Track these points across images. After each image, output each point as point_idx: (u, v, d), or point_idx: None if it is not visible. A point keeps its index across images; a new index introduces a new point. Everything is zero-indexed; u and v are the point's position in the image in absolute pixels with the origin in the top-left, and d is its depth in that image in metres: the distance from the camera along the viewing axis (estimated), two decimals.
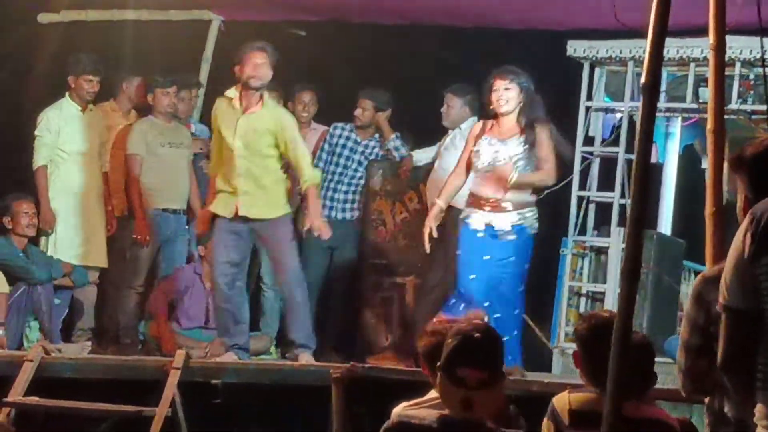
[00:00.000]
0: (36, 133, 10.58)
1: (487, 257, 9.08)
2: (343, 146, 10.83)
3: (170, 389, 8.76)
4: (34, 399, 8.90)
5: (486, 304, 8.83)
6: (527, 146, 9.11)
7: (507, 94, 9.17)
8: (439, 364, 5.26)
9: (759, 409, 3.98)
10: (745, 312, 4.01)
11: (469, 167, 9.27)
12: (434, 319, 6.35)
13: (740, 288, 4.02)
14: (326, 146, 10.94)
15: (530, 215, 9.18)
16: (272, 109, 9.80)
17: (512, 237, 9.09)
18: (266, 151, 9.64)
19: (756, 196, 4.52)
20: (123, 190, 10.82)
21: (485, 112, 9.48)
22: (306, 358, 9.56)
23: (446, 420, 5.17)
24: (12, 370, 9.07)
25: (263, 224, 9.66)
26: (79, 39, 11.76)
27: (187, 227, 10.94)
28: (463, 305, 8.83)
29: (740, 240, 4.02)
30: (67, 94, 10.75)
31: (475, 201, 9.22)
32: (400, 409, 5.59)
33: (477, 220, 9.16)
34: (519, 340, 9.24)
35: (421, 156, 10.65)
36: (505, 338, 8.59)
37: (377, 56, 11.27)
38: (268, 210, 9.67)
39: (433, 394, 5.49)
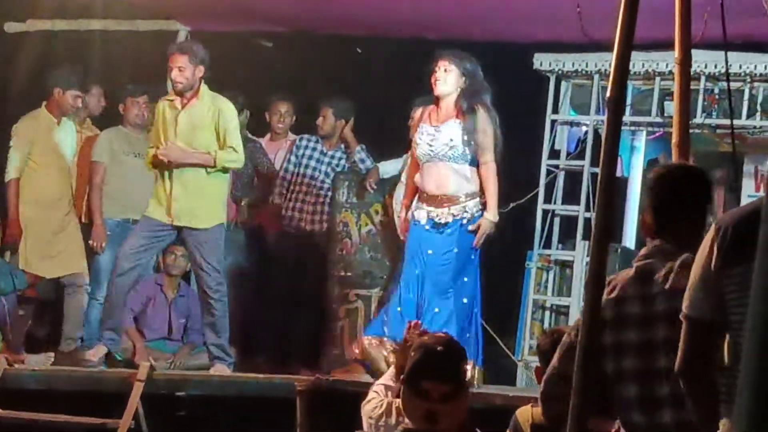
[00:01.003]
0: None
1: (431, 251, 9.05)
2: (309, 157, 10.79)
3: (134, 401, 8.75)
4: None
5: (430, 297, 8.93)
6: (465, 131, 9.00)
7: (445, 76, 9.08)
8: (402, 376, 5.25)
9: (723, 422, 3.96)
10: (709, 323, 4.03)
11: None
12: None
13: (706, 299, 4.03)
14: (292, 158, 10.90)
15: (472, 205, 9.07)
16: (210, 98, 9.64)
17: (454, 229, 9.03)
18: (207, 146, 9.53)
19: (656, 215, 4.82)
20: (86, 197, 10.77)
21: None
22: (222, 370, 9.51)
23: None
24: None
25: (196, 232, 9.58)
26: (46, 49, 11.71)
27: None
28: (405, 296, 8.93)
29: (706, 252, 4.03)
30: (44, 104, 10.65)
31: (420, 194, 9.18)
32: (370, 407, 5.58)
33: (421, 214, 9.12)
34: (476, 335, 9.17)
35: (387, 168, 10.62)
36: (466, 332, 8.75)
37: (344, 67, 11.26)
38: (207, 219, 9.58)
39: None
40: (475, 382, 8.65)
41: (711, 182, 5.06)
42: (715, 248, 3.98)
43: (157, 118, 9.73)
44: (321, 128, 10.86)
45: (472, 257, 9.11)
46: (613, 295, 4.78)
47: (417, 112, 9.36)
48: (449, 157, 9.00)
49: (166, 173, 9.50)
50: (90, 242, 10.58)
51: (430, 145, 9.04)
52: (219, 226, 9.67)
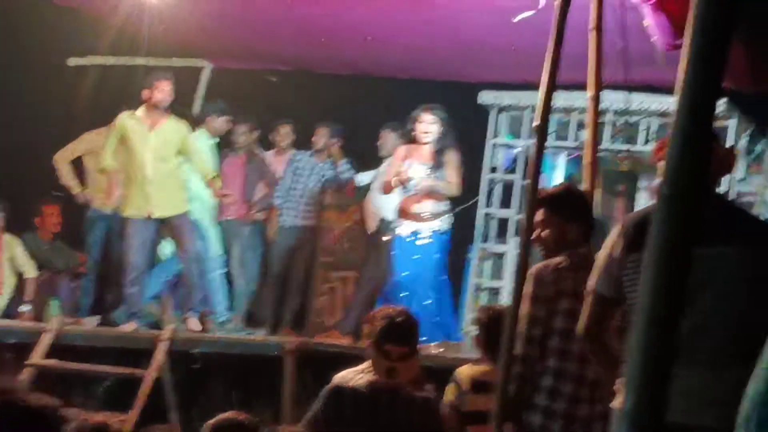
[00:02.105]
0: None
1: (416, 256, 9.08)
2: (303, 168, 10.74)
3: (159, 356, 8.67)
4: (51, 361, 8.78)
5: (418, 292, 8.96)
6: (438, 167, 9.11)
7: (430, 128, 9.15)
8: (372, 339, 5.23)
9: (620, 381, 3.94)
10: (607, 298, 4.17)
11: (389, 183, 9.26)
12: (375, 309, 6.31)
13: (607, 279, 4.15)
14: (290, 169, 10.84)
15: (445, 221, 9.19)
16: (175, 123, 9.58)
17: (432, 240, 9.11)
18: (171, 158, 9.50)
19: (551, 226, 4.78)
20: None
21: (409, 136, 9.41)
22: (194, 323, 9.56)
23: (374, 384, 5.14)
24: (34, 339, 8.95)
25: (170, 219, 9.53)
26: (101, 80, 11.64)
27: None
28: (400, 294, 8.91)
29: (611, 243, 4.14)
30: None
31: (404, 213, 9.21)
32: (342, 375, 5.54)
33: (405, 228, 9.16)
34: (451, 319, 9.31)
35: (363, 177, 10.60)
36: (436, 319, 8.86)
37: (335, 99, 11.22)
38: (173, 208, 9.52)
39: (368, 363, 5.45)
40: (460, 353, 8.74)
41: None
42: (620, 240, 4.09)
43: (121, 126, 9.49)
44: (316, 143, 10.79)
45: (445, 260, 9.21)
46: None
47: (401, 150, 9.36)
48: (428, 186, 9.10)
49: (141, 179, 9.44)
50: None
51: (416, 177, 9.11)
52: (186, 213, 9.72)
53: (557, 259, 4.96)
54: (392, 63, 10.81)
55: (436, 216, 9.14)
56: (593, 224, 5.21)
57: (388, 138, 10.10)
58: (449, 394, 5.75)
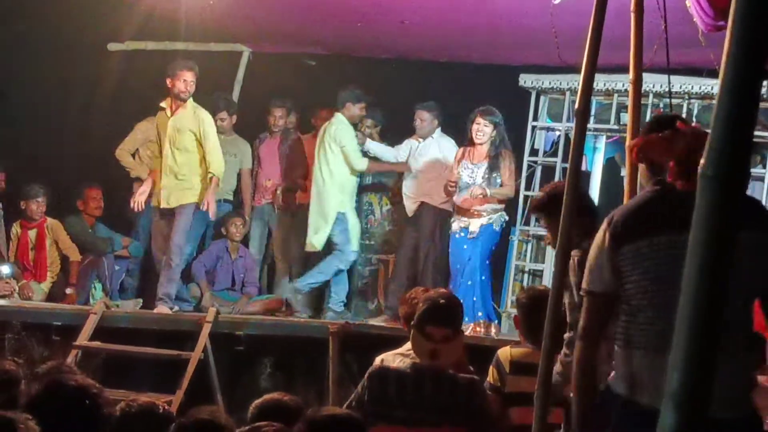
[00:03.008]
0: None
1: (465, 246, 9.39)
2: None
3: (203, 338, 8.74)
4: (96, 343, 8.87)
5: (468, 282, 9.29)
6: (493, 170, 9.41)
7: (485, 129, 9.46)
8: (412, 322, 5.26)
9: (618, 355, 4.04)
10: (603, 294, 4.04)
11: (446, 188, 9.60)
12: (412, 290, 6.35)
13: (599, 275, 4.04)
14: None
15: (496, 217, 9.49)
16: (193, 109, 9.57)
17: (479, 234, 9.39)
18: (188, 148, 9.49)
19: (553, 230, 4.81)
20: None
21: (465, 138, 9.64)
22: (163, 309, 9.46)
23: (417, 367, 5.18)
24: (80, 321, 9.05)
25: (174, 209, 9.56)
26: (140, 65, 11.71)
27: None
28: (456, 281, 9.28)
29: (600, 239, 4.05)
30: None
31: (459, 210, 9.54)
32: (382, 357, 5.59)
33: (456, 225, 9.49)
34: (489, 300, 9.48)
35: (374, 147, 10.45)
36: (477, 300, 9.05)
37: (371, 82, 11.23)
38: (179, 198, 9.54)
39: (407, 346, 5.48)
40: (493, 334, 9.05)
41: None
42: (608, 235, 4.00)
43: (156, 123, 9.67)
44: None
45: (491, 248, 9.53)
46: None
47: (459, 152, 9.66)
48: (484, 185, 9.42)
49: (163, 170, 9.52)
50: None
51: (470, 177, 9.44)
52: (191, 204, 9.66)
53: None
54: (430, 46, 10.82)
55: (488, 212, 9.45)
56: (592, 213, 5.35)
57: (425, 118, 10.08)
58: (491, 375, 5.78)
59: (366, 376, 5.24)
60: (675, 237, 3.80)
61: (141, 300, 10.34)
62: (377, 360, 5.58)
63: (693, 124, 4.43)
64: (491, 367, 5.80)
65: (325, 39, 11.13)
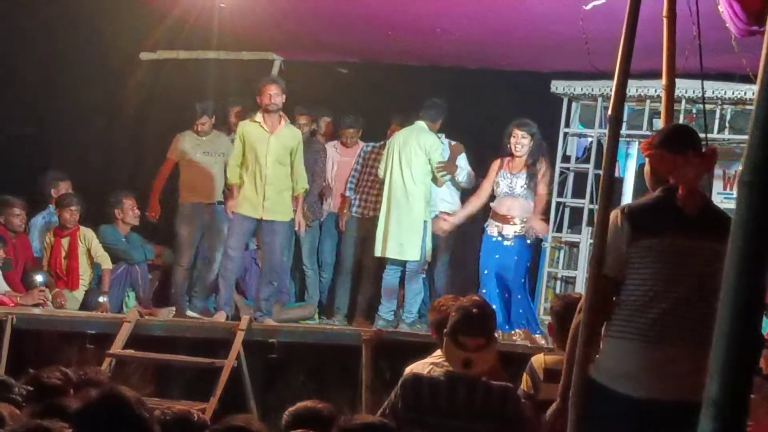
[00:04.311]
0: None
1: (497, 256, 9.35)
2: (375, 160, 10.72)
3: (236, 346, 8.75)
4: (130, 351, 8.90)
5: (496, 291, 9.24)
6: (530, 179, 9.43)
7: (522, 141, 9.47)
8: (445, 331, 5.25)
9: (609, 344, 4.44)
10: (614, 279, 4.43)
11: (485, 191, 9.65)
12: (441, 297, 6.35)
13: (615, 262, 4.41)
14: (360, 160, 10.87)
15: (528, 225, 9.43)
16: (291, 129, 9.88)
17: (515, 242, 9.36)
18: (287, 162, 9.72)
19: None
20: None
21: (503, 149, 9.61)
22: (223, 317, 9.68)
23: (451, 375, 5.16)
24: (114, 329, 9.08)
25: (274, 224, 9.70)
26: (173, 74, 11.78)
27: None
28: (483, 291, 9.17)
29: (618, 226, 4.42)
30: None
31: (494, 215, 9.53)
32: (413, 366, 5.58)
33: (492, 229, 9.46)
34: (528, 311, 9.41)
35: None
36: (512, 308, 9.03)
37: (402, 89, 11.24)
38: (282, 215, 9.73)
39: (438, 353, 5.47)
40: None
41: None
42: (625, 226, 4.41)
43: (243, 133, 9.74)
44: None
45: (527, 264, 9.51)
46: None
47: (496, 163, 9.63)
48: (520, 195, 9.45)
49: (260, 179, 9.58)
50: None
51: (509, 186, 9.47)
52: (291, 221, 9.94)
53: None
54: (462, 54, 10.81)
55: (522, 221, 9.40)
56: None
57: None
58: (524, 383, 5.76)
59: (399, 383, 5.23)
60: (679, 241, 4.31)
61: (174, 308, 10.38)
62: (407, 370, 5.58)
63: (706, 146, 4.66)
64: (524, 375, 5.79)
65: (356, 47, 11.15)
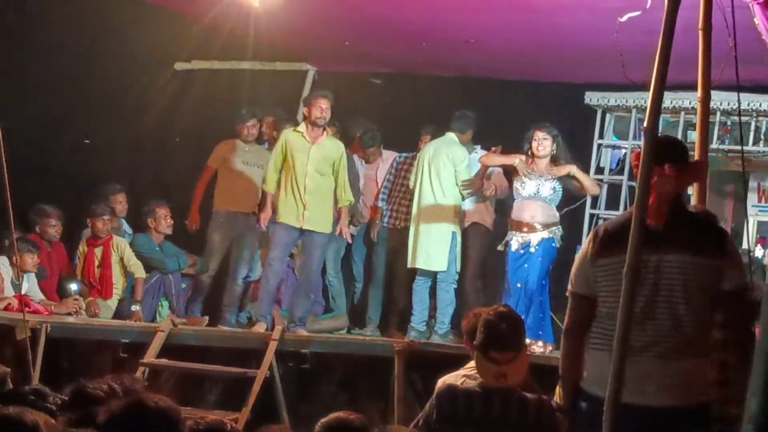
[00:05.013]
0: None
1: (526, 266, 9.31)
2: (407, 171, 10.73)
3: (269, 356, 8.76)
4: (164, 361, 8.93)
5: (524, 299, 9.21)
6: (553, 180, 9.34)
7: (544, 143, 9.39)
8: (474, 343, 5.24)
9: (593, 358, 4.74)
10: (585, 296, 4.81)
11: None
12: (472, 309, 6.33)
13: (583, 280, 4.82)
14: (393, 170, 10.87)
15: (555, 229, 9.37)
16: (333, 141, 9.90)
17: (540, 249, 9.29)
18: (328, 173, 9.71)
19: None
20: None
21: (526, 151, 9.55)
22: (262, 328, 9.59)
23: (486, 387, 5.16)
24: (147, 338, 9.11)
25: (314, 235, 9.69)
26: (207, 84, 11.83)
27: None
28: (511, 300, 9.13)
29: (585, 249, 4.82)
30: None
31: (516, 225, 9.43)
32: (445, 378, 5.56)
33: (516, 242, 9.37)
34: (548, 321, 9.33)
35: None
36: (538, 316, 8.98)
37: (435, 100, 11.25)
38: (323, 226, 9.72)
39: (471, 365, 5.46)
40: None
41: None
42: (591, 246, 4.77)
43: (284, 143, 9.73)
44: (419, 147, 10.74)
45: (549, 265, 9.37)
46: None
47: (520, 165, 9.52)
48: (547, 199, 9.35)
49: (299, 189, 9.59)
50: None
51: (532, 188, 9.36)
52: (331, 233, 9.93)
53: None
54: (495, 64, 10.81)
55: (546, 226, 9.31)
56: None
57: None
58: (557, 394, 5.74)
59: (434, 394, 5.23)
60: (645, 257, 4.29)
61: (207, 318, 10.41)
62: (439, 382, 5.56)
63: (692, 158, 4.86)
64: (558, 386, 5.76)
65: (390, 58, 11.17)
